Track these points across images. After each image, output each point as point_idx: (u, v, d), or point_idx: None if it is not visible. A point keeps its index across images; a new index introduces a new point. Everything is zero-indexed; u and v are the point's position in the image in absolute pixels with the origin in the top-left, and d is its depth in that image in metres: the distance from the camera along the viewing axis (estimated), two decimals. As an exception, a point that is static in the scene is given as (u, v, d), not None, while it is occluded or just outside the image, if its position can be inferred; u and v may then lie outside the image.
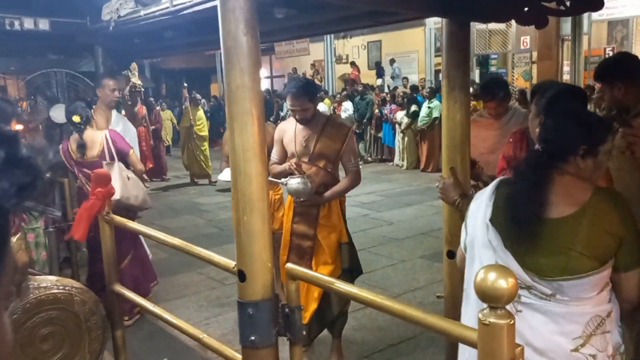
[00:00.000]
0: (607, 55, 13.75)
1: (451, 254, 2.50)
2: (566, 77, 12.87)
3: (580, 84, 10.64)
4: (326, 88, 17.15)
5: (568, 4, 2.10)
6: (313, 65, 18.91)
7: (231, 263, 1.83)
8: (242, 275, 1.70)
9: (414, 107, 11.45)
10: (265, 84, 21.00)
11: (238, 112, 1.67)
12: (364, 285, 4.11)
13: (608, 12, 12.63)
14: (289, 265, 1.74)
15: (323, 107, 13.52)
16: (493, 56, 16.54)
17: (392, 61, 16.85)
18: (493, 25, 15.25)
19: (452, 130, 2.26)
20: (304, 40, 16.89)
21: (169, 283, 4.96)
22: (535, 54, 14.57)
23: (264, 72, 21.64)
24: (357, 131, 12.38)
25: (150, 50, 6.04)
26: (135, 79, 7.78)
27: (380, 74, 17.27)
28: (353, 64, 17.52)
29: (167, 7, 3.83)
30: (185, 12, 3.68)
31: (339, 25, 3.88)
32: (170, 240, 2.20)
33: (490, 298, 1.09)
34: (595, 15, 12.70)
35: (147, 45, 5.40)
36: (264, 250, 1.69)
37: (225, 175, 5.39)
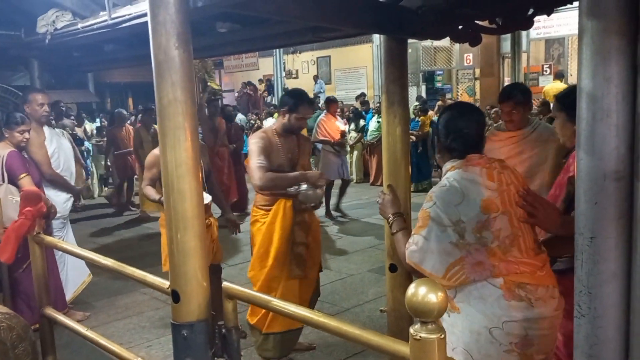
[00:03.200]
0: (544, 72, 14.42)
1: (393, 268, 2.51)
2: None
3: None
4: (275, 103, 17.17)
5: (500, 22, 2.17)
6: (261, 80, 18.91)
7: (165, 283, 1.77)
8: (175, 296, 1.64)
9: (361, 122, 11.59)
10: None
11: (170, 127, 1.63)
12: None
13: (545, 31, 13.27)
14: (226, 284, 1.70)
15: (273, 122, 13.52)
16: (438, 72, 17.05)
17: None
18: (438, 43, 15.75)
19: (393, 144, 2.28)
20: (253, 55, 16.91)
21: (111, 304, 4.77)
22: (478, 71, 15.09)
23: (213, 86, 21.48)
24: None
25: (90, 63, 5.86)
26: (214, 84, 6.51)
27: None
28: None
29: (106, 20, 3.72)
30: (124, 25, 3.59)
31: (283, 39, 3.88)
32: (102, 261, 2.11)
33: (421, 313, 1.09)
34: (533, 34, 13.32)
35: (87, 58, 5.23)
36: (199, 270, 1.64)
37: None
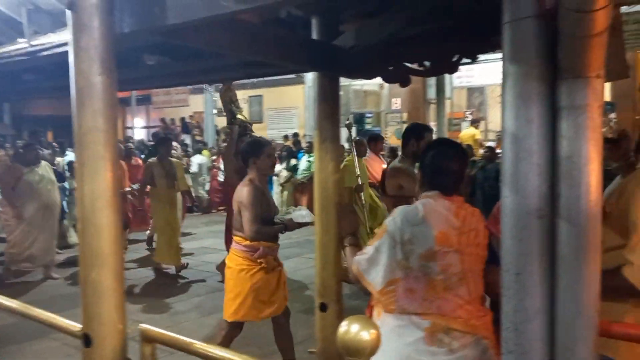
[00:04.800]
0: (466, 118, 15.21)
1: (323, 307, 2.46)
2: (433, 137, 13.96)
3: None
4: (206, 140, 16.95)
5: (428, 65, 2.25)
6: (192, 116, 18.67)
7: (77, 326, 1.62)
8: (87, 340, 1.50)
9: (292, 161, 11.65)
10: (142, 134, 20.33)
11: (89, 156, 1.52)
12: (240, 342, 3.91)
13: (467, 80, 14.10)
14: (143, 325, 1.58)
15: (201, 158, 13.28)
16: (368, 115, 17.55)
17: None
18: (368, 86, 16.29)
19: (324, 180, 2.27)
20: (183, 90, 16.68)
21: (19, 352, 4.36)
22: (405, 115, 15.68)
23: (140, 121, 20.94)
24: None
25: (6, 93, 5.52)
26: (242, 116, 5.22)
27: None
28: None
29: (25, 47, 3.53)
30: (45, 53, 3.41)
31: (214, 74, 3.83)
32: (7, 303, 1.91)
33: (353, 351, 1.04)
34: (456, 82, 14.09)
35: (3, 87, 4.93)
36: (114, 310, 1.52)
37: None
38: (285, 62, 2.17)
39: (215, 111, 17.98)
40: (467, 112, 15.46)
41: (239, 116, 5.07)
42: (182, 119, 18.40)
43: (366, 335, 1.04)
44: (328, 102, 2.28)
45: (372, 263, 1.84)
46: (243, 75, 3.38)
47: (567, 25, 1.33)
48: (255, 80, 15.41)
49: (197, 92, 17.27)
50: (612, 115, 9.38)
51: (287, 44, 2.14)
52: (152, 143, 11.31)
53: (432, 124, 14.25)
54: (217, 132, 11.09)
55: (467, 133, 12.63)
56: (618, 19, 2.06)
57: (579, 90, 1.41)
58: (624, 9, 8.68)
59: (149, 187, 6.95)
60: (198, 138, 17.28)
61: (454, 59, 2.19)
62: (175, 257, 6.97)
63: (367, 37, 2.08)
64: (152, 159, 7.01)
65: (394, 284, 1.80)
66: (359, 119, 17.15)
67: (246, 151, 3.50)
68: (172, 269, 7.05)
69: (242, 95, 18.63)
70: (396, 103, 16.02)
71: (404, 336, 1.79)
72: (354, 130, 16.43)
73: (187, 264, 7.23)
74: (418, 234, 1.80)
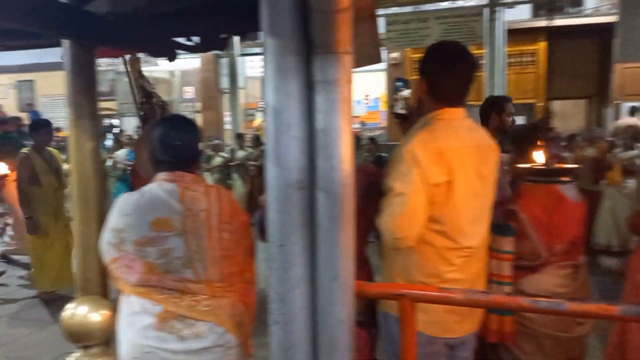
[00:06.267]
0: (260, 108, 15.58)
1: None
2: (228, 127, 14.02)
3: (240, 131, 11.68)
4: None
5: (199, 41, 2.17)
6: None
7: None
8: None
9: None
10: None
11: None
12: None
13: (261, 70, 14.36)
14: None
15: None
16: (159, 103, 16.82)
17: (28, 106, 15.55)
18: (157, 73, 15.57)
19: (81, 163, 2.04)
20: None
21: None
22: (199, 104, 15.41)
23: None
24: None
25: None
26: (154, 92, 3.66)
27: None
28: None
29: None
30: None
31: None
32: None
33: (81, 336, 0.92)
34: (249, 72, 14.28)
35: None
36: None
37: None
38: (30, 26, 1.87)
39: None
40: (261, 102, 15.84)
41: (152, 91, 3.81)
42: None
43: (96, 317, 0.93)
44: (83, 75, 2.05)
45: (104, 244, 1.87)
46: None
47: (315, 0, 1.37)
48: (27, 62, 13.58)
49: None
50: (406, 93, 10.47)
51: (32, 5, 1.85)
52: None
53: (226, 115, 14.27)
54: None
55: (261, 123, 12.91)
56: (372, 8, 2.25)
57: (330, 65, 1.47)
58: (393, 9, 9.78)
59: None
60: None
61: (224, 35, 2.15)
62: None
63: (122, 5, 1.91)
64: (26, 149, 5.23)
65: (116, 262, 1.81)
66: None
67: None
68: None
69: (6, 79, 16.29)
70: (189, 92, 15.64)
71: (135, 323, 1.78)
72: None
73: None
74: (131, 223, 1.81)
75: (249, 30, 2.34)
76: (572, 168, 2.09)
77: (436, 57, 1.97)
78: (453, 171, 1.86)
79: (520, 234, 2.25)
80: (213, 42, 2.23)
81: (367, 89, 13.54)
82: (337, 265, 1.49)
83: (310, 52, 1.48)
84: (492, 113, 3.34)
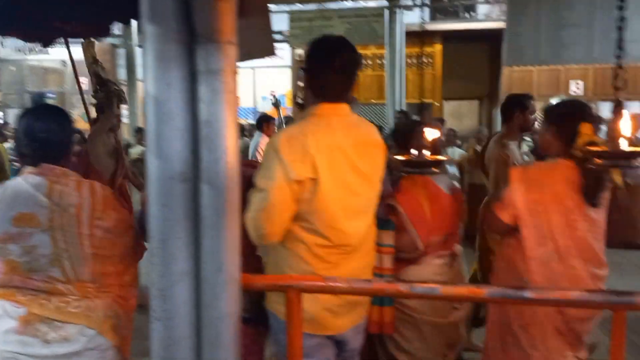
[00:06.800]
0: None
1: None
2: (125, 121, 13.39)
3: (139, 125, 11.17)
4: None
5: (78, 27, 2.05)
6: None
7: None
8: None
9: None
10: None
11: None
12: None
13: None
14: None
15: None
16: (50, 95, 15.71)
17: None
18: (48, 63, 14.57)
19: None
20: None
21: None
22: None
23: None
24: None
25: None
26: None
27: None
28: None
29: None
30: None
31: None
32: None
33: None
34: (143, 63, 13.74)
35: None
36: None
37: None
38: None
39: None
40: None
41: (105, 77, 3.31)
42: None
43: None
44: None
45: None
46: None
47: (197, -13, 1.34)
48: None
49: None
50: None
51: None
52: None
53: (124, 107, 13.62)
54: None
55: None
56: (263, 1, 2.24)
57: (213, 55, 1.44)
58: (296, 6, 9.84)
59: None
60: None
61: (106, 22, 2.05)
62: None
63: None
64: None
65: None
66: (38, 99, 15.23)
67: None
68: None
69: None
70: (84, 83, 14.78)
71: None
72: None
73: None
74: None
75: (133, 17, 2.23)
76: (441, 160, 2.20)
77: (315, 51, 1.95)
78: (318, 168, 1.83)
79: (400, 228, 2.36)
80: (93, 29, 2.11)
81: (273, 86, 13.52)
82: (222, 257, 1.47)
83: (193, 40, 1.45)
84: (516, 111, 3.27)
